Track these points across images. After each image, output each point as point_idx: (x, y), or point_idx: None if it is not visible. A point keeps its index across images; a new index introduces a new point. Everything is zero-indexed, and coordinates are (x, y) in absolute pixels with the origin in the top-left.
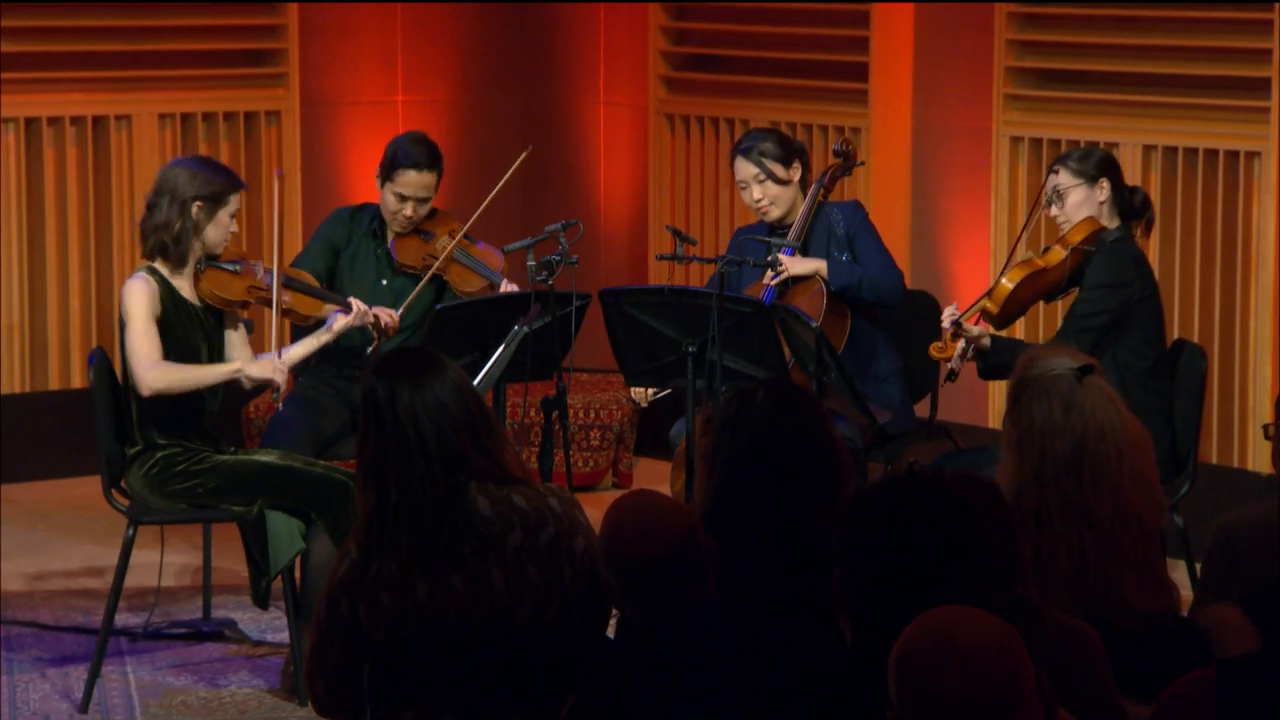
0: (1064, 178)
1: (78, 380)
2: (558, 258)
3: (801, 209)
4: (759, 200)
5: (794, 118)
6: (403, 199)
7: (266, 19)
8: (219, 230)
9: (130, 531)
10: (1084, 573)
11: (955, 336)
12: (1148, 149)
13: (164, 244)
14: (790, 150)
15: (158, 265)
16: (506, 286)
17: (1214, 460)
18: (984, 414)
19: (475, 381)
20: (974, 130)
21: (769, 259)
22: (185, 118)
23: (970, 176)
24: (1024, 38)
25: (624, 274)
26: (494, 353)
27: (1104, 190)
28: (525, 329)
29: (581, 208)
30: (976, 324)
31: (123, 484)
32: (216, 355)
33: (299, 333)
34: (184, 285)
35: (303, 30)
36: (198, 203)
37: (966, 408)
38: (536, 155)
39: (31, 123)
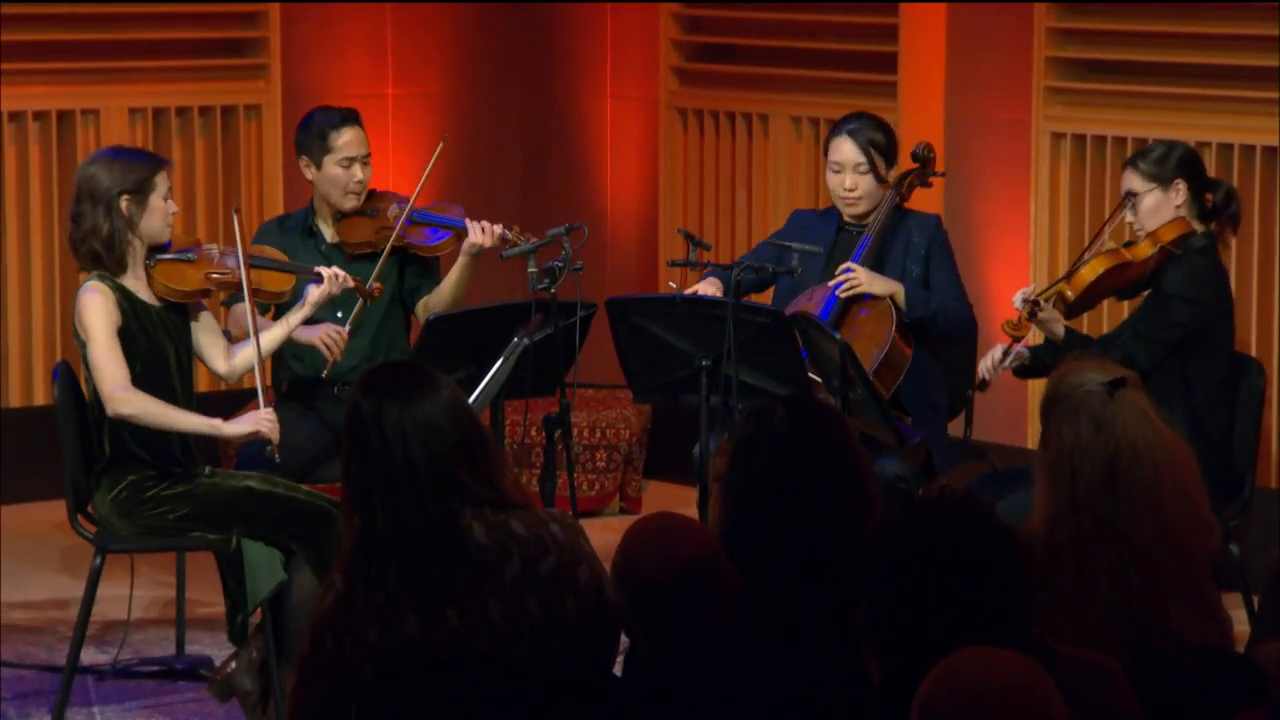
0: (1136, 181)
1: (40, 397)
2: (561, 264)
3: (878, 215)
4: (850, 190)
5: (817, 112)
6: (350, 161)
7: (246, 5)
8: (156, 218)
9: (97, 560)
10: (1128, 602)
11: (1031, 316)
12: (1201, 145)
13: (96, 252)
14: (895, 149)
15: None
16: (474, 228)
17: (1273, 485)
18: (1022, 433)
19: (471, 398)
20: (1012, 125)
21: (840, 269)
22: (158, 112)
23: (1008, 175)
24: (1066, 25)
25: (632, 282)
26: (492, 367)
27: (1180, 192)
28: (525, 341)
29: (586, 210)
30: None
31: (89, 508)
32: (185, 357)
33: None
34: (139, 287)
35: (285, 17)
36: (124, 197)
37: (1003, 427)
38: (538, 154)
39: None
